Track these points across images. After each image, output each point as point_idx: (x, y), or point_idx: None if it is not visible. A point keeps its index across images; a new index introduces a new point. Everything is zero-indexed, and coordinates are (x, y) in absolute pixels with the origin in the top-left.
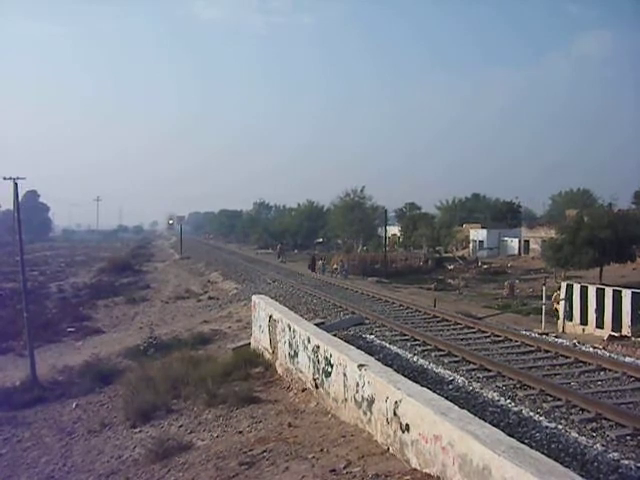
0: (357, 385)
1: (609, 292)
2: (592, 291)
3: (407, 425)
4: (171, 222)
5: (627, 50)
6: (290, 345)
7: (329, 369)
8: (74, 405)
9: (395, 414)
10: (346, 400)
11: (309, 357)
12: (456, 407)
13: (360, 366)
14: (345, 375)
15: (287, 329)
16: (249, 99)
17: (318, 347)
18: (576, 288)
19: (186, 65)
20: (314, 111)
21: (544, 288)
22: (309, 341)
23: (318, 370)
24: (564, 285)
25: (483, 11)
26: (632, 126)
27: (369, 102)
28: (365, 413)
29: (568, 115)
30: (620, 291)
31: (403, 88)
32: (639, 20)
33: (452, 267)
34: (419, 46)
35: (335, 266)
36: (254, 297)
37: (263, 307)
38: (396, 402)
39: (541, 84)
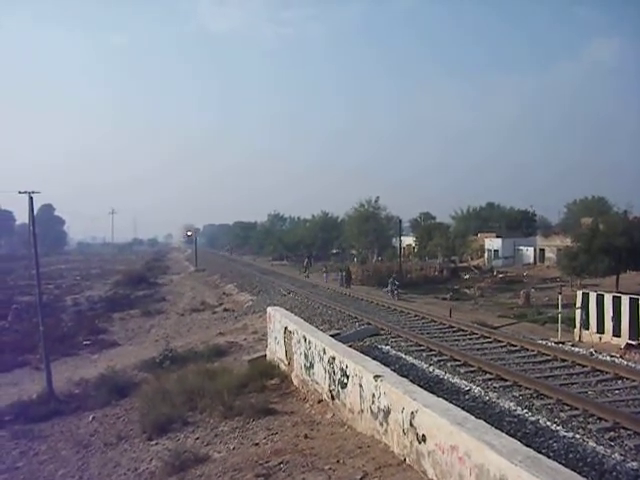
0: (373, 396)
1: (625, 300)
2: (608, 299)
3: (423, 436)
4: (189, 234)
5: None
6: (306, 356)
7: (345, 380)
8: (90, 418)
9: (411, 425)
10: (362, 411)
11: (325, 368)
12: (472, 417)
13: (376, 377)
14: (361, 386)
15: (302, 340)
16: (262, 113)
17: (334, 358)
18: (592, 296)
19: (203, 80)
20: (327, 122)
21: (560, 297)
22: (325, 352)
23: (334, 381)
24: (580, 293)
25: (492, 18)
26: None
27: (382, 111)
28: (381, 424)
29: (581, 121)
30: (637, 299)
31: (415, 96)
32: None
33: (467, 277)
34: (429, 54)
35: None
36: (269, 309)
37: (278, 319)
38: (412, 413)
39: (552, 90)
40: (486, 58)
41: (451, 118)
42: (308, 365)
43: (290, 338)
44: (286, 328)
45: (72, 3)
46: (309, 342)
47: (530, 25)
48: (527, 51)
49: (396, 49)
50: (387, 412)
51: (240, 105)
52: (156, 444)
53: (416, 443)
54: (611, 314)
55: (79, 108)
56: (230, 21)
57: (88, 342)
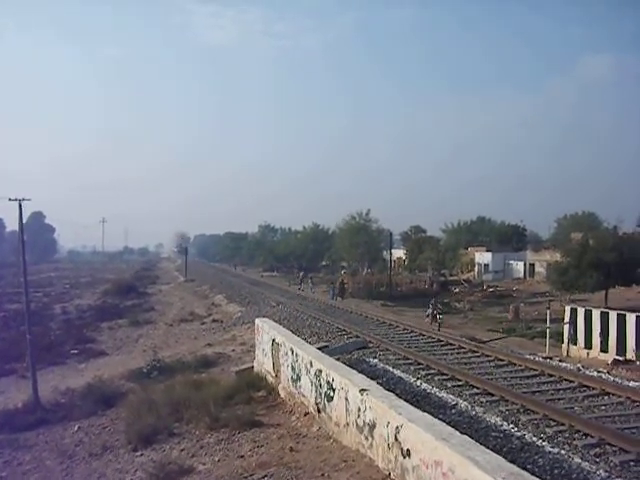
0: (359, 410)
1: (613, 316)
2: (596, 315)
3: (408, 450)
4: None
5: (631, 73)
6: (293, 369)
7: (331, 393)
8: (76, 428)
9: (396, 439)
10: (348, 425)
11: (311, 381)
12: (457, 432)
13: (362, 391)
14: (347, 399)
15: (290, 353)
16: (257, 124)
17: (320, 371)
18: (580, 312)
19: (197, 91)
20: (321, 135)
21: (548, 312)
22: (311, 365)
23: (320, 394)
24: (568, 309)
25: (487, 32)
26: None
27: (379, 123)
28: (367, 438)
29: (573, 138)
30: (624, 315)
31: (413, 109)
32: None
33: (457, 290)
34: (428, 67)
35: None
36: (257, 320)
37: (266, 330)
38: (397, 427)
39: (546, 107)
40: (483, 73)
41: (448, 132)
42: (295, 377)
43: (278, 350)
44: (274, 340)
45: (65, 15)
46: (296, 354)
47: (527, 40)
48: (522, 67)
49: (393, 60)
50: (372, 426)
51: (234, 117)
52: (141, 455)
53: (401, 458)
54: (599, 330)
55: (72, 117)
56: (226, 33)
57: (76, 351)
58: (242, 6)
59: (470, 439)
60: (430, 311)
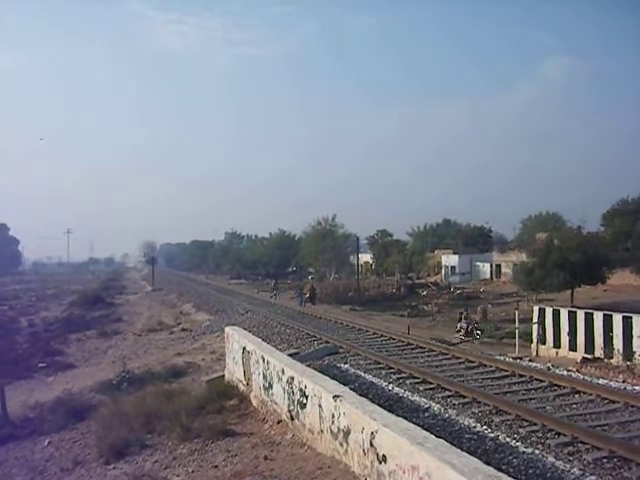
0: (333, 416)
1: (581, 315)
2: (564, 314)
3: (384, 456)
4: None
5: (586, 74)
6: (264, 377)
7: (304, 400)
8: (46, 443)
9: (372, 445)
10: (322, 431)
11: (284, 389)
12: (432, 436)
13: (335, 397)
14: (320, 406)
15: (261, 360)
16: (218, 131)
17: (293, 378)
18: (548, 311)
19: (156, 97)
20: (286, 143)
21: (517, 312)
22: (283, 372)
23: (293, 402)
24: (536, 309)
25: (451, 43)
26: (596, 147)
27: (343, 131)
28: (341, 444)
29: (542, 138)
30: (592, 314)
31: (380, 115)
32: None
33: (425, 293)
34: (399, 74)
35: (307, 295)
36: (227, 329)
37: (237, 339)
38: (372, 433)
39: (511, 109)
40: (449, 79)
41: (413, 139)
42: (267, 385)
43: (248, 358)
44: (244, 348)
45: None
46: (267, 362)
47: (484, 47)
48: (492, 69)
49: (360, 65)
50: (347, 432)
51: (193, 124)
52: (114, 468)
53: (377, 463)
54: (567, 329)
55: (34, 125)
56: (186, 40)
57: (43, 364)
58: (203, 14)
59: (446, 443)
60: (464, 325)
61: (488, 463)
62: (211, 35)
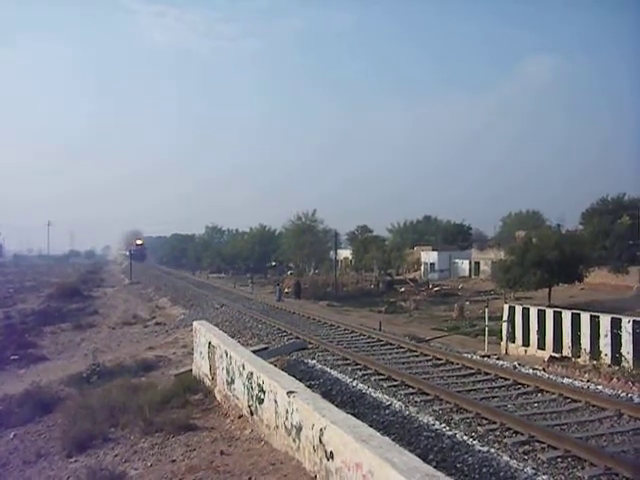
0: (287, 412)
1: (550, 313)
2: (534, 312)
3: (331, 453)
4: (140, 242)
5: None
6: (227, 372)
7: (262, 396)
8: (12, 435)
9: (321, 441)
10: (277, 427)
11: (244, 384)
12: (378, 434)
13: (289, 393)
14: (276, 402)
15: (224, 355)
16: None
17: (252, 374)
18: (518, 310)
19: (145, 90)
20: (257, 133)
21: (487, 310)
22: (244, 368)
23: (252, 397)
24: (506, 307)
25: (439, 36)
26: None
27: (319, 122)
28: (294, 440)
29: (525, 136)
30: (560, 312)
31: (358, 109)
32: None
33: (403, 289)
34: (374, 69)
35: (286, 290)
36: (195, 323)
37: (203, 333)
38: (321, 429)
39: (497, 108)
40: (433, 75)
41: (394, 133)
42: (230, 380)
43: (214, 353)
44: (210, 343)
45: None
46: (230, 357)
47: (474, 42)
48: (471, 69)
49: (334, 64)
50: (299, 428)
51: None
52: (75, 461)
53: (325, 460)
54: (536, 327)
55: (13, 123)
56: (169, 33)
57: (16, 357)
58: (186, 7)
59: (390, 440)
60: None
61: (444, 461)
62: (192, 28)
